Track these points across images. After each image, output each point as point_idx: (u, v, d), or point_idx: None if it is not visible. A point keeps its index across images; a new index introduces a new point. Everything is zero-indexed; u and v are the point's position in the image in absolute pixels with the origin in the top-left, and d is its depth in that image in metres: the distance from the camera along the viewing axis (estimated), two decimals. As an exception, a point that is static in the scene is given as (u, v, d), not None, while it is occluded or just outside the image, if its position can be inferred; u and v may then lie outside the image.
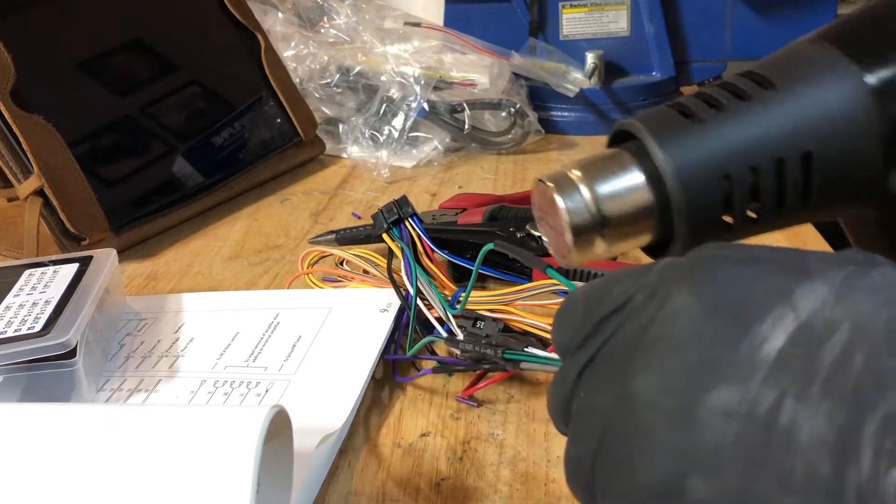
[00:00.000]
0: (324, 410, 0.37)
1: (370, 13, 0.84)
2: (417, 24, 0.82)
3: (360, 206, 0.66)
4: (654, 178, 0.26)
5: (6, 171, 0.55)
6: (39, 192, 0.55)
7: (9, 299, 0.41)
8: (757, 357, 0.18)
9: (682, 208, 0.25)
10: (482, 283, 0.50)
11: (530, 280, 0.48)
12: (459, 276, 0.51)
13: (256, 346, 0.43)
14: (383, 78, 0.77)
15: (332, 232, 0.54)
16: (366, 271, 0.48)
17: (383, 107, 0.76)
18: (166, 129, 0.65)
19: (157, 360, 0.43)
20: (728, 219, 0.26)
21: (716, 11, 0.88)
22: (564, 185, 0.26)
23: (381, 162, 0.73)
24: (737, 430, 0.18)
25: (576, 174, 0.26)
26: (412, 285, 0.42)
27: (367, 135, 0.76)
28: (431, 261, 0.45)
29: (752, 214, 0.27)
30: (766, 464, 0.18)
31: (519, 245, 0.48)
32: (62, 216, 0.55)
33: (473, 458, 0.36)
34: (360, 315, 0.44)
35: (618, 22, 0.88)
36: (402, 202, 0.46)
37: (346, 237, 0.53)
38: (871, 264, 0.20)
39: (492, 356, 0.38)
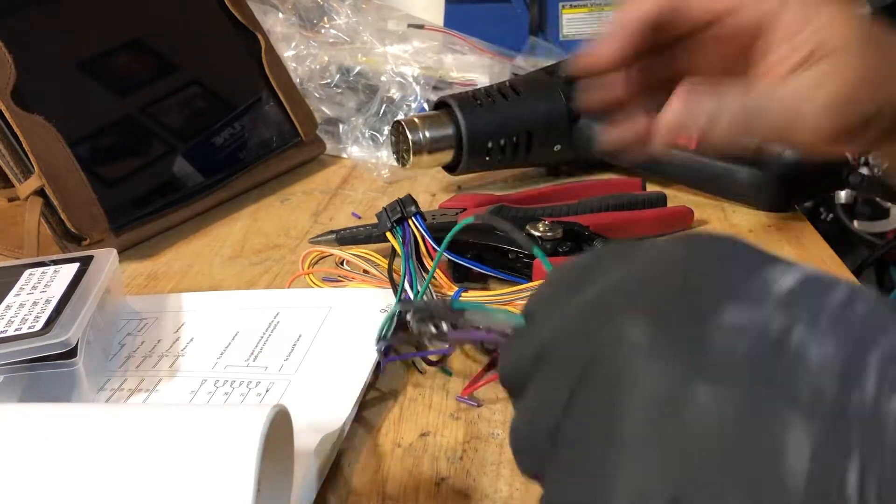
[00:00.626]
0: (324, 410, 0.37)
1: (370, 13, 0.84)
2: (421, 27, 0.82)
3: (360, 206, 0.66)
4: (456, 129, 0.63)
5: (6, 171, 0.55)
6: (40, 192, 0.55)
7: (9, 299, 0.41)
8: (768, 289, 0.19)
9: (466, 147, 0.62)
10: (483, 282, 0.50)
11: (530, 280, 0.48)
12: (460, 277, 0.51)
13: (256, 346, 0.43)
14: (383, 78, 0.77)
15: (332, 232, 0.54)
16: (366, 271, 0.48)
17: (383, 107, 0.76)
18: (166, 129, 0.65)
19: (158, 360, 0.43)
20: (487, 158, 0.64)
21: (716, 12, 0.88)
22: (412, 126, 0.62)
23: (381, 162, 0.73)
24: (748, 343, 0.19)
25: (417, 121, 0.62)
26: (412, 286, 0.42)
27: (367, 135, 0.76)
28: (433, 260, 0.45)
29: (498, 157, 0.63)
30: (774, 378, 0.18)
31: (518, 245, 0.48)
32: (62, 216, 0.55)
33: (473, 458, 0.36)
34: (360, 314, 0.44)
35: (618, 22, 0.88)
36: (407, 201, 0.46)
37: (347, 237, 0.53)
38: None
39: (440, 308, 0.35)
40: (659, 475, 0.19)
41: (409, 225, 0.45)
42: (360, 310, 0.44)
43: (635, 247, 0.23)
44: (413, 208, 0.46)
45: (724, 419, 0.18)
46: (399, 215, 0.46)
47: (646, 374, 0.19)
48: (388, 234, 0.46)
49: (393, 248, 0.46)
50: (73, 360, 0.38)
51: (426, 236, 0.45)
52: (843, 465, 0.17)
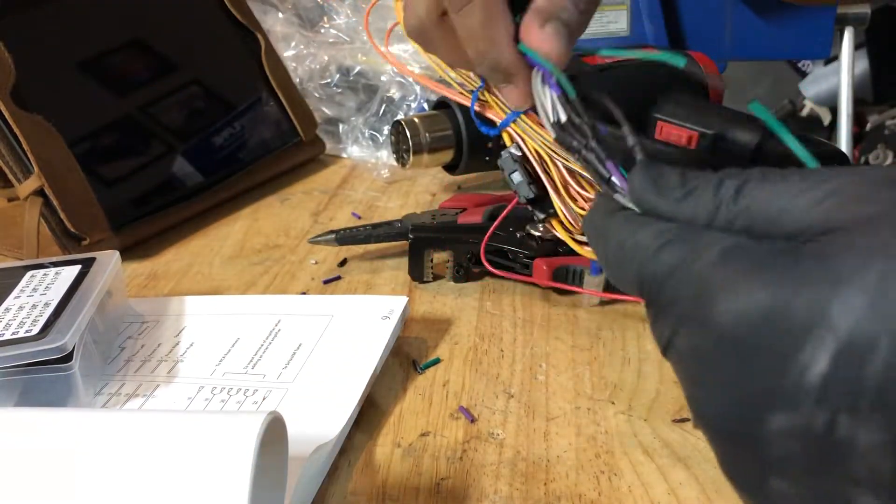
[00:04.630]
0: (320, 419, 0.37)
1: (370, 13, 0.84)
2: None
3: (359, 206, 0.66)
4: (456, 129, 0.61)
5: (6, 171, 0.55)
6: (39, 192, 0.55)
7: (9, 301, 0.41)
8: (804, 384, 0.19)
9: (466, 147, 0.61)
10: (481, 279, 0.50)
11: (529, 275, 0.48)
12: (462, 276, 0.51)
13: (256, 353, 0.43)
14: (383, 78, 0.77)
15: (331, 232, 0.54)
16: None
17: (383, 107, 0.76)
18: (166, 129, 0.65)
19: (157, 365, 0.43)
20: (487, 158, 0.61)
21: (716, 11, 0.88)
22: (412, 126, 0.60)
23: (380, 162, 0.73)
24: (800, 445, 0.19)
25: (417, 121, 0.61)
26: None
27: (367, 135, 0.76)
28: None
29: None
30: (832, 467, 0.19)
31: (519, 246, 0.49)
32: (62, 216, 0.55)
33: (473, 458, 0.36)
34: (362, 322, 0.44)
35: (618, 22, 0.88)
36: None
37: (346, 237, 0.53)
38: None
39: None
40: None
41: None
42: (362, 317, 0.44)
43: None
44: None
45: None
46: None
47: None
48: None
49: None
50: (69, 364, 0.38)
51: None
52: None
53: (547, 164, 0.39)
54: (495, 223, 0.48)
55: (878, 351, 0.18)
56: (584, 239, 0.39)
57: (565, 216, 0.39)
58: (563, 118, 0.34)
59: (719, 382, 0.21)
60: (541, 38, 0.32)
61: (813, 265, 0.20)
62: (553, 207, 0.40)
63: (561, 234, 0.40)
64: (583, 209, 0.39)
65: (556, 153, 0.39)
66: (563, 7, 0.33)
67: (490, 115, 0.41)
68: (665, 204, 0.25)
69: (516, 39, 0.35)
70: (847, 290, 0.19)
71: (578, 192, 0.39)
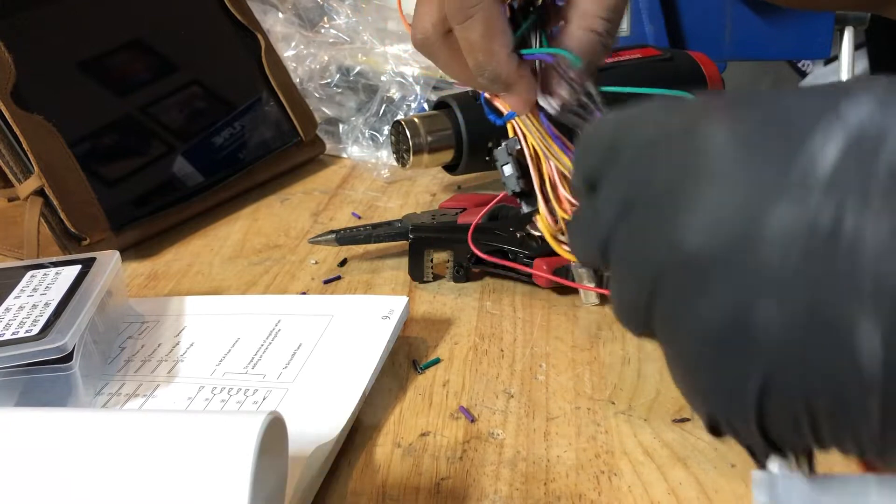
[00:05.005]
0: (320, 419, 0.37)
1: (370, 13, 0.84)
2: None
3: (360, 206, 0.66)
4: (456, 129, 0.61)
5: (6, 171, 0.55)
6: (40, 192, 0.55)
7: (9, 301, 0.41)
8: (812, 173, 0.18)
9: (466, 147, 0.61)
10: (481, 279, 0.50)
11: (530, 277, 0.48)
12: (462, 276, 0.51)
13: (256, 353, 0.43)
14: (383, 78, 0.77)
15: (332, 232, 0.54)
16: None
17: (383, 107, 0.76)
18: (166, 129, 0.65)
19: (157, 365, 0.43)
20: (487, 158, 0.55)
21: (716, 11, 0.88)
22: (412, 126, 0.61)
23: (380, 162, 0.73)
24: (801, 246, 0.18)
25: (417, 121, 0.61)
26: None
27: (367, 135, 0.76)
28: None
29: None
30: (835, 276, 0.18)
31: (519, 246, 0.49)
32: (62, 216, 0.55)
33: (473, 458, 0.36)
34: (362, 322, 0.44)
35: (618, 22, 0.88)
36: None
37: (346, 237, 0.53)
38: None
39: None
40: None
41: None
42: (362, 317, 0.44)
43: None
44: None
45: (787, 338, 0.18)
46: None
47: (707, 310, 0.20)
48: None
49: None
50: (69, 364, 0.38)
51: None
52: None
53: (541, 162, 0.40)
54: (483, 211, 0.50)
55: (888, 142, 0.18)
56: (564, 238, 0.41)
57: (545, 214, 0.40)
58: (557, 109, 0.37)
59: (720, 187, 0.20)
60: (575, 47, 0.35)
61: (821, 87, 0.20)
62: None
63: (543, 229, 0.41)
64: (566, 213, 0.40)
65: (551, 153, 0.40)
66: (590, 51, 0.35)
67: (498, 104, 0.42)
68: None
69: (518, 49, 0.38)
70: (856, 93, 0.19)
71: (566, 197, 0.40)
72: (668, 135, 0.22)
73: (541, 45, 0.39)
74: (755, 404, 0.20)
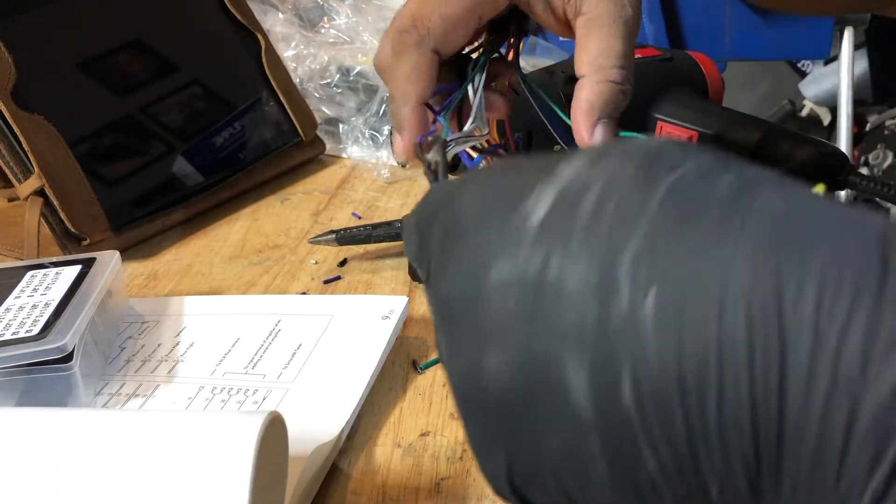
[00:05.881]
0: (320, 419, 0.37)
1: (370, 13, 0.84)
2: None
3: (360, 206, 0.66)
4: None
5: (6, 171, 0.55)
6: (40, 192, 0.55)
7: (9, 301, 0.41)
8: (524, 228, 0.20)
9: None
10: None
11: None
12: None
13: (256, 353, 0.43)
14: (383, 78, 0.77)
15: (332, 232, 0.54)
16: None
17: (383, 107, 0.76)
18: (166, 129, 0.65)
19: (157, 365, 0.43)
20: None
21: (716, 11, 0.88)
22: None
23: (381, 162, 0.73)
24: (514, 296, 0.19)
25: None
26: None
27: (367, 135, 0.76)
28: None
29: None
30: (541, 319, 0.19)
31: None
32: (62, 216, 0.55)
33: (473, 458, 0.36)
34: (362, 322, 0.44)
35: (618, 22, 0.88)
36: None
37: (346, 237, 0.53)
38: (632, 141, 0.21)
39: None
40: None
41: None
42: (362, 317, 0.44)
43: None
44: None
45: (511, 388, 0.19)
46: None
47: (453, 358, 0.21)
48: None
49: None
50: (69, 364, 0.38)
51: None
52: (617, 380, 0.17)
53: None
54: None
55: (592, 190, 0.19)
56: None
57: None
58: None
59: (450, 250, 0.22)
60: (592, 139, 0.36)
61: (543, 158, 0.22)
62: None
63: None
64: None
65: None
66: (611, 100, 0.36)
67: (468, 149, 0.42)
68: None
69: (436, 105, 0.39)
70: (573, 157, 0.20)
71: None
72: (447, 198, 0.24)
73: (476, 96, 0.40)
74: (505, 475, 0.20)
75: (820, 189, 0.21)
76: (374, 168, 0.72)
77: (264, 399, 0.39)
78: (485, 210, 0.21)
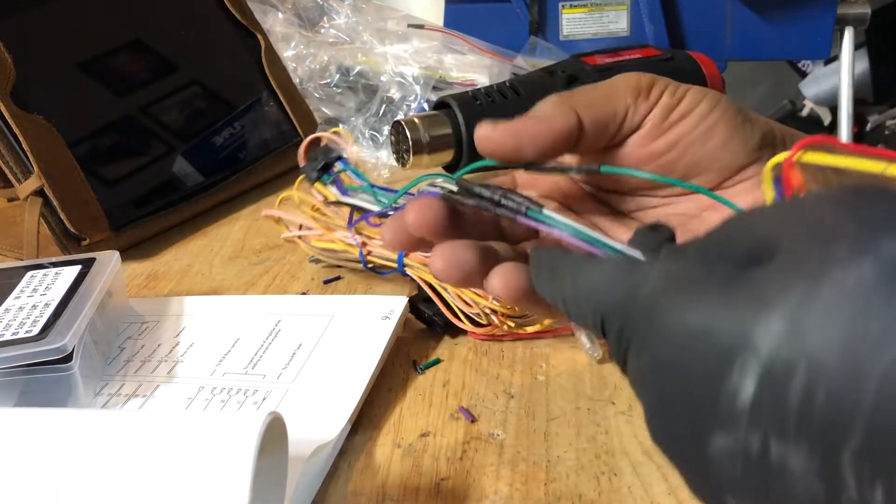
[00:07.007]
0: (320, 419, 0.37)
1: (370, 13, 0.84)
2: (421, 27, 0.82)
3: (360, 206, 0.66)
4: (456, 129, 0.57)
5: (6, 171, 0.55)
6: (39, 192, 0.55)
7: (9, 301, 0.41)
8: (736, 406, 0.20)
9: (466, 147, 0.57)
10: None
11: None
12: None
13: (256, 354, 0.43)
14: (383, 78, 0.77)
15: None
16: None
17: (383, 107, 0.76)
18: (166, 129, 0.65)
19: (157, 365, 0.43)
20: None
21: (716, 11, 0.88)
22: (412, 126, 0.56)
23: (381, 162, 0.73)
24: (741, 466, 0.20)
25: (417, 121, 0.57)
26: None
27: (367, 135, 0.76)
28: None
29: None
30: (775, 490, 0.19)
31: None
32: (62, 216, 0.55)
33: (473, 458, 0.36)
34: (362, 322, 0.44)
35: (618, 22, 0.88)
36: (325, 150, 0.48)
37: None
38: (832, 260, 0.19)
39: (513, 206, 0.31)
40: None
41: (333, 171, 0.47)
42: (362, 317, 0.44)
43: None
44: (334, 154, 0.47)
45: None
46: (322, 163, 0.47)
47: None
48: (318, 185, 0.47)
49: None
50: (69, 364, 0.38)
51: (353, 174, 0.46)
52: None
53: (437, 287, 0.44)
54: None
55: (797, 376, 0.18)
56: (518, 312, 0.43)
57: (481, 314, 0.43)
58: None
59: (665, 405, 0.22)
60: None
61: (743, 288, 0.20)
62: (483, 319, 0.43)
63: (505, 326, 0.43)
64: (485, 300, 0.42)
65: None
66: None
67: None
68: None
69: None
70: (768, 313, 0.19)
71: (474, 292, 0.42)
72: (633, 291, 0.24)
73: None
74: None
75: None
76: (374, 168, 0.72)
77: (264, 399, 0.39)
78: (687, 360, 0.21)
